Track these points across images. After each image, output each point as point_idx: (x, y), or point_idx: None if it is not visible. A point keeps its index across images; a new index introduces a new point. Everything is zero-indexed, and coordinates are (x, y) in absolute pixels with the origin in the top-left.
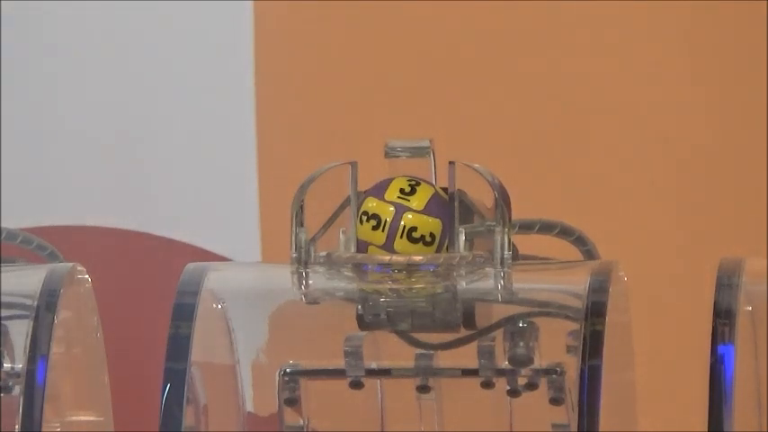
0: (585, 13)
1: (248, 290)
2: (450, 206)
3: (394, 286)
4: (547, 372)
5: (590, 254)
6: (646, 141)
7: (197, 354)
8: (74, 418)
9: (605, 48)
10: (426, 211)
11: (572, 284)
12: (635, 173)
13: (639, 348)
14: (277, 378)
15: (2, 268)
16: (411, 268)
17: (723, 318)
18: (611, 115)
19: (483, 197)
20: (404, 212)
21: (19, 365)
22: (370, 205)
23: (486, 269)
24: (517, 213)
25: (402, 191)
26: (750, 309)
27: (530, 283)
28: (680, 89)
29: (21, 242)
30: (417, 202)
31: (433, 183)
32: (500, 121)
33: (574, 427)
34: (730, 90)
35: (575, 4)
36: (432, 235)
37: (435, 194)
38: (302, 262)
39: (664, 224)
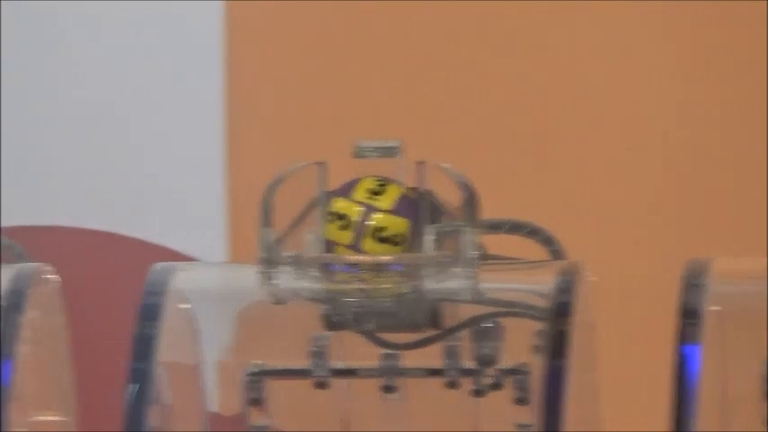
0: (566, 10)
1: (215, 290)
2: (419, 206)
3: (360, 286)
4: (512, 371)
5: (557, 254)
6: (628, 140)
7: (162, 354)
8: (38, 418)
9: (585, 45)
10: (395, 210)
11: (539, 285)
12: (613, 173)
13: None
14: (243, 378)
15: None
16: (378, 268)
17: (688, 318)
18: (587, 114)
19: (453, 198)
20: (372, 212)
21: None
22: (337, 205)
23: (454, 269)
24: (490, 214)
25: (370, 191)
26: (719, 309)
27: (497, 283)
28: (665, 86)
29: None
30: (386, 202)
31: (403, 183)
32: (474, 121)
33: (538, 426)
34: (722, 90)
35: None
36: (400, 235)
37: (404, 195)
38: (269, 262)
39: (646, 226)
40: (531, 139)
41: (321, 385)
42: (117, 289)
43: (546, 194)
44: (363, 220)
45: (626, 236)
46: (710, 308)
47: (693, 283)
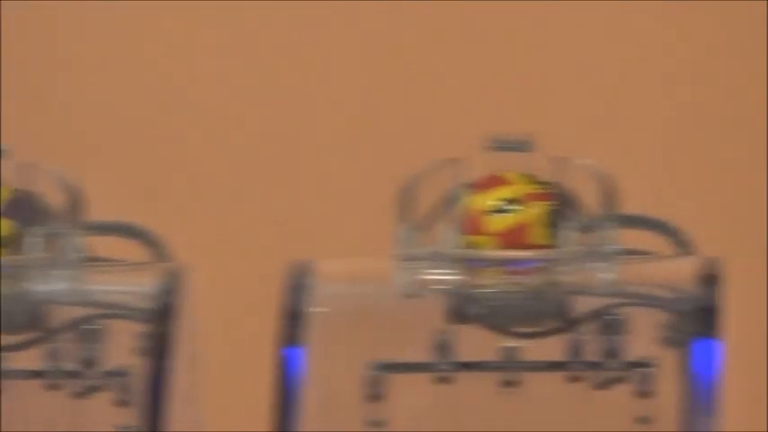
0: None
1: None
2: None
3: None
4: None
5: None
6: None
7: None
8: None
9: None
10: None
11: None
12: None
13: None
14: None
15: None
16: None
17: (291, 320)
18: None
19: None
20: None
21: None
22: None
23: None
24: None
25: None
26: (318, 310)
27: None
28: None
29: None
30: None
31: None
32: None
33: (140, 428)
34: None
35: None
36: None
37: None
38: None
39: None
40: None
41: (443, 380)
42: None
43: None
44: None
45: None
46: (314, 309)
47: (296, 284)
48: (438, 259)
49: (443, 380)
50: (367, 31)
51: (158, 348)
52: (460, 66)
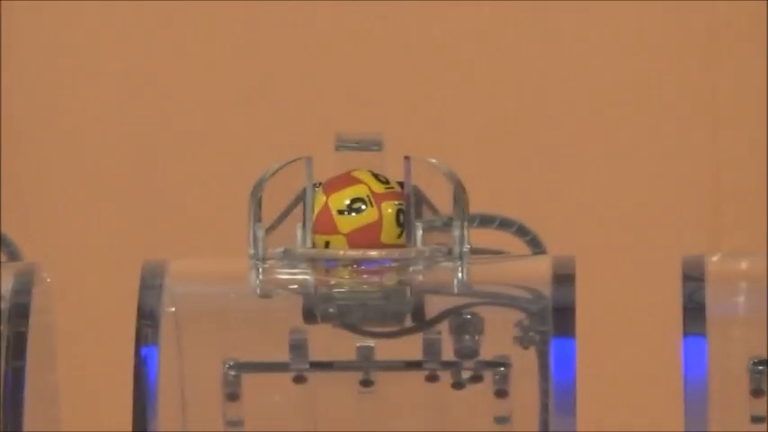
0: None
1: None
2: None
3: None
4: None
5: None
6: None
7: None
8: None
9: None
10: None
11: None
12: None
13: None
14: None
15: None
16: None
17: (146, 319)
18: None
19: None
20: None
21: None
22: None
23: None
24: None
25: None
26: (173, 310)
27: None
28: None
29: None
30: None
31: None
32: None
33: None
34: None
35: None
36: None
37: None
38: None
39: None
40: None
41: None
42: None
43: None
44: None
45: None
46: (170, 309)
47: (151, 284)
48: (291, 259)
49: (299, 379)
50: (218, 33)
51: (14, 348)
52: (311, 64)
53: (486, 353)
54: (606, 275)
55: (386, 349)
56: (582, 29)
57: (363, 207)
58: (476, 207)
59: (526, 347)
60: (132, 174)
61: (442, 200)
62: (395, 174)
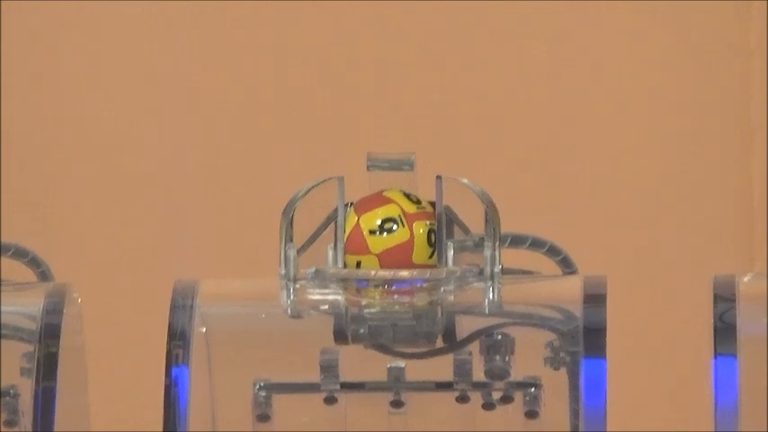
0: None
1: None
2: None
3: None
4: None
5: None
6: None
7: None
8: None
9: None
10: None
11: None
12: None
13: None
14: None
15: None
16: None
17: (177, 340)
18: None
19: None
20: None
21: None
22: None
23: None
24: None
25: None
26: (204, 330)
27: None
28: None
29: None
30: None
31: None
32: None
33: None
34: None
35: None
36: None
37: None
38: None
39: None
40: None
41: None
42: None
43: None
44: None
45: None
46: (201, 329)
47: (182, 304)
48: (322, 279)
49: (330, 400)
50: (244, 50)
51: (45, 369)
52: (344, 82)
53: (517, 374)
54: (638, 296)
55: (417, 370)
56: (613, 46)
57: (395, 227)
58: (507, 227)
59: (557, 368)
60: (163, 193)
61: (474, 220)
62: (427, 193)
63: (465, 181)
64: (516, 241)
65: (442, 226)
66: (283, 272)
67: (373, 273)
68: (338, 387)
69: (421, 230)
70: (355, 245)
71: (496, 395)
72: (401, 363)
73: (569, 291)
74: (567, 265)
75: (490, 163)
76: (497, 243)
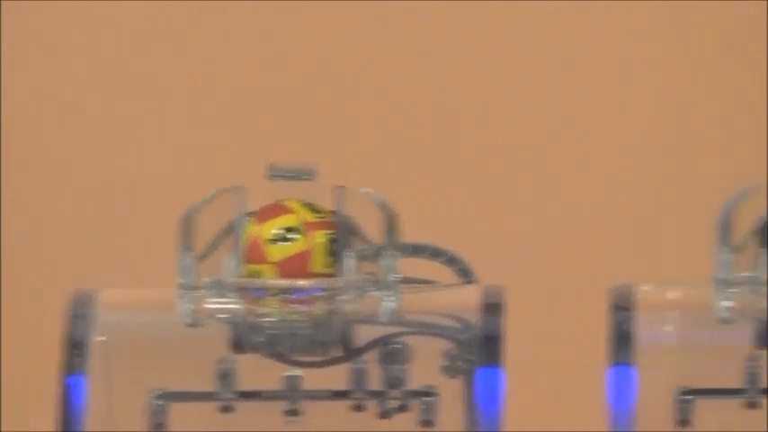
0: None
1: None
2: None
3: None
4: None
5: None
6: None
7: None
8: None
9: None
10: None
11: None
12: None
13: None
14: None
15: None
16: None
17: (73, 349)
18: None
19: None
20: None
21: None
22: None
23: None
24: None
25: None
26: (103, 339)
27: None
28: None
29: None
30: None
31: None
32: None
33: None
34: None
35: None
36: None
37: None
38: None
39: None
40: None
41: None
42: None
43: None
44: None
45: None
46: (97, 338)
47: (78, 313)
48: (220, 288)
49: (226, 409)
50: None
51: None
52: (244, 94)
53: (414, 382)
54: (538, 305)
55: (315, 379)
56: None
57: (293, 236)
58: (412, 237)
59: (454, 377)
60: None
61: (378, 230)
62: (332, 204)
63: (366, 190)
64: (416, 250)
65: (342, 235)
66: (182, 281)
67: (270, 281)
68: (234, 396)
69: (320, 239)
70: (254, 254)
71: (393, 404)
72: (298, 372)
73: (467, 300)
74: (467, 275)
75: (394, 173)
76: (395, 252)
